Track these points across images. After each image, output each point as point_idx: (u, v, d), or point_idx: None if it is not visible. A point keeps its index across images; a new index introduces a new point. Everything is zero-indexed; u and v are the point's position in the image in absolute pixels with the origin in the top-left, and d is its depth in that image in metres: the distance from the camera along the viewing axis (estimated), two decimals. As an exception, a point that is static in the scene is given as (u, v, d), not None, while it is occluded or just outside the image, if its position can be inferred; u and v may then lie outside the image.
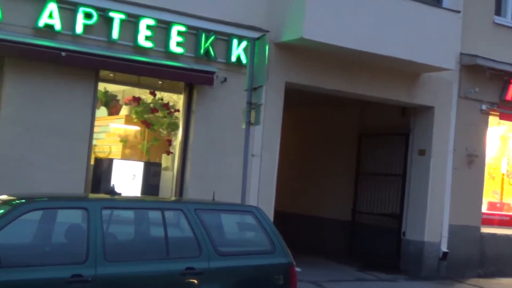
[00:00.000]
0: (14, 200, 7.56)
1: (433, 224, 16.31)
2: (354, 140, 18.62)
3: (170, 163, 13.71)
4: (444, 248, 16.38)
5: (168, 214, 8.26)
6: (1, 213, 7.16)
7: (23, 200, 7.55)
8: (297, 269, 8.95)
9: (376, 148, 17.88)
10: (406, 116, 17.20)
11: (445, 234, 16.46)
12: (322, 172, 19.36)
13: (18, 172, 11.61)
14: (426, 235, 16.23)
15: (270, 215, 13.24)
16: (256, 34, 12.62)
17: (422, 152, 16.53)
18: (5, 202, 7.51)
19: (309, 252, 17.60)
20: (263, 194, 13.78)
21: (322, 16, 13.38)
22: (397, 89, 15.61)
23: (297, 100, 16.72)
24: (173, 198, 12.58)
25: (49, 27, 11.80)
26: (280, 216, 14.42)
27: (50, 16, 11.76)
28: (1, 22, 11.44)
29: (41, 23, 11.73)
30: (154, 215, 8.23)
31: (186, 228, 8.12)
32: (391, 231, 17.12)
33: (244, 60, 13.29)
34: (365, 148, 18.35)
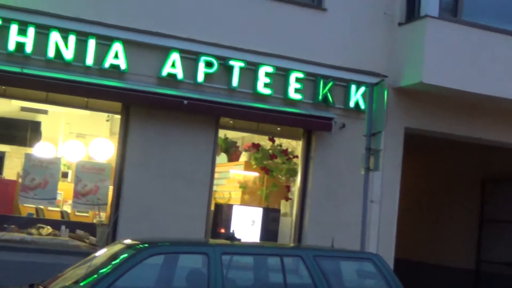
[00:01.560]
0: (137, 244, 7.76)
1: None
2: (477, 185, 18.06)
3: (289, 209, 13.73)
4: None
5: (287, 261, 8.22)
6: (125, 257, 7.36)
7: (146, 245, 7.74)
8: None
9: (502, 194, 17.24)
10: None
11: None
12: (443, 218, 18.85)
13: (142, 216, 11.94)
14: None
15: (390, 262, 12.99)
16: (374, 80, 12.56)
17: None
18: (129, 247, 7.72)
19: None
20: (382, 241, 13.55)
21: (442, 60, 13.18)
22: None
23: (416, 145, 16.44)
24: (292, 245, 12.55)
25: (172, 76, 12.19)
26: (400, 264, 14.09)
27: (173, 65, 12.16)
28: (126, 72, 11.92)
29: (164, 72, 12.14)
30: (273, 261, 8.23)
31: (305, 275, 8.06)
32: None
33: (362, 105, 13.24)
34: (490, 194, 17.75)
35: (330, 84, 13.17)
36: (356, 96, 13.41)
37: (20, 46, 11.34)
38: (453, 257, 18.28)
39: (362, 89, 13.26)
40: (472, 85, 13.38)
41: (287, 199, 13.81)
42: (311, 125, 13.10)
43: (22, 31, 11.34)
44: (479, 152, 17.59)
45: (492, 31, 13.68)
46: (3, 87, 11.74)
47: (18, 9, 11.32)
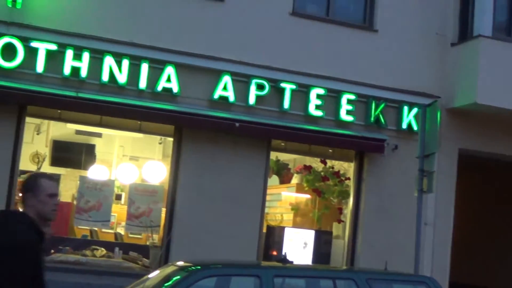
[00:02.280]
0: (190, 266, 7.79)
1: None
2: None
3: (341, 231, 13.64)
4: None
5: (340, 283, 8.17)
6: (178, 279, 7.39)
7: (199, 267, 7.76)
8: None
9: None
10: None
11: None
12: (499, 240, 18.48)
13: (195, 238, 11.99)
14: None
15: (445, 286, 12.78)
16: (427, 101, 12.44)
17: None
18: (182, 268, 7.75)
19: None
20: (437, 264, 13.35)
21: (496, 80, 13.02)
22: None
23: (471, 166, 16.19)
24: (344, 267, 12.45)
25: (224, 98, 12.28)
26: (455, 287, 13.86)
27: (225, 88, 12.25)
28: (179, 95, 12.04)
29: (216, 95, 12.24)
30: (326, 284, 8.17)
31: (357, 298, 7.98)
32: None
33: (415, 127, 13.12)
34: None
35: (382, 105, 13.10)
36: (409, 117, 13.30)
37: (75, 70, 11.57)
38: (510, 280, 17.86)
39: (415, 110, 13.15)
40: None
41: (339, 221, 13.73)
42: (363, 147, 13.03)
43: (77, 56, 11.57)
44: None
45: (547, 50, 13.46)
46: (59, 111, 11.98)
47: (73, 34, 11.57)
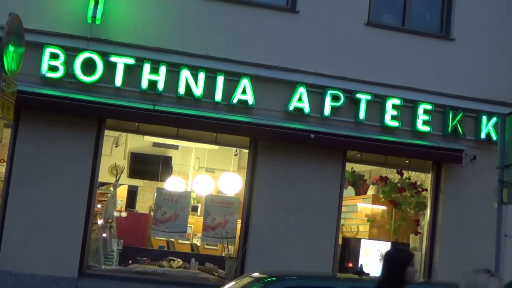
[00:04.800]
0: (266, 278, 7.81)
1: None
2: None
3: (418, 243, 13.44)
4: None
5: (417, 296, 8.04)
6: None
7: (274, 278, 7.78)
8: None
9: None
10: None
11: None
12: None
13: (270, 250, 12.01)
14: None
15: (527, 300, 12.42)
16: (506, 110, 12.13)
17: None
18: (257, 280, 7.78)
19: None
20: (518, 278, 12.99)
21: None
22: None
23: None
24: (421, 280, 12.26)
25: (299, 110, 12.29)
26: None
27: (300, 99, 12.26)
28: (254, 107, 12.11)
29: (291, 106, 12.26)
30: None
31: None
32: None
33: (494, 136, 12.84)
34: None
35: (460, 115, 12.88)
36: (488, 127, 13.03)
37: (152, 84, 11.78)
38: None
39: (494, 119, 12.88)
40: None
41: (416, 233, 13.54)
42: (440, 158, 12.83)
43: (154, 70, 11.78)
44: None
45: None
46: (136, 124, 12.22)
47: (150, 49, 11.80)
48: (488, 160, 12.48)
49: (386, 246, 12.98)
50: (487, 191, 11.95)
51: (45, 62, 11.48)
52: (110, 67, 11.68)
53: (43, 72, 11.50)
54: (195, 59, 11.95)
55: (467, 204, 12.95)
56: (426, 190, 13.40)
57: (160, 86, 11.80)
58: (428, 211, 13.15)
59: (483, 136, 13.03)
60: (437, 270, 12.75)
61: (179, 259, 12.99)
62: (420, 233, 13.43)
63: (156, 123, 11.87)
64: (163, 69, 11.80)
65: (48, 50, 11.49)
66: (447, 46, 13.31)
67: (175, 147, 15.13)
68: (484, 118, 13.04)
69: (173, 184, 14.69)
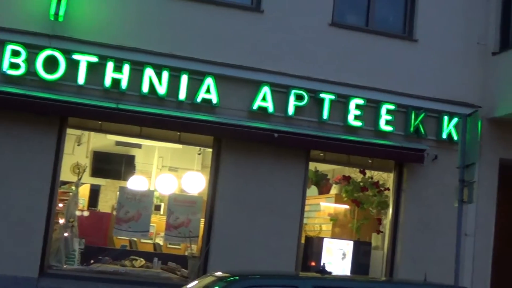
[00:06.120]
0: (228, 277, 7.79)
1: None
2: None
3: (380, 242, 13.55)
4: None
5: (379, 295, 8.12)
6: (216, 290, 7.40)
7: (237, 277, 7.76)
8: None
9: None
10: None
11: None
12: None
13: (233, 249, 12.02)
14: None
15: (486, 298, 12.62)
16: (467, 110, 12.31)
17: None
18: (220, 279, 7.76)
19: None
20: (477, 276, 13.17)
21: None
22: None
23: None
24: (383, 278, 12.37)
25: (263, 109, 12.31)
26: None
27: (264, 99, 12.27)
28: (218, 106, 12.10)
29: (255, 106, 12.26)
30: (365, 295, 8.12)
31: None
32: None
33: (455, 137, 12.99)
34: None
35: (422, 115, 13.00)
36: (449, 127, 13.18)
37: (115, 82, 11.70)
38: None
39: (455, 120, 13.03)
40: None
41: (378, 232, 13.65)
42: (403, 157, 12.95)
43: (118, 68, 11.71)
44: None
45: None
46: (99, 122, 12.12)
47: (114, 46, 11.71)
48: (449, 160, 12.65)
49: (348, 245, 13.08)
50: (448, 191, 12.13)
51: (6, 59, 11.33)
52: (73, 65, 11.56)
53: (4, 70, 11.34)
54: (159, 58, 11.90)
55: (429, 203, 13.09)
56: (388, 189, 13.51)
57: (124, 84, 11.72)
58: (390, 210, 13.26)
59: (444, 136, 13.17)
60: (399, 267, 12.85)
61: (141, 259, 12.94)
62: (382, 232, 13.54)
63: (119, 121, 11.79)
64: (126, 68, 11.72)
65: (9, 47, 11.34)
66: (410, 47, 13.43)
67: (138, 146, 15.06)
68: (446, 118, 13.19)
69: (136, 183, 14.59)
